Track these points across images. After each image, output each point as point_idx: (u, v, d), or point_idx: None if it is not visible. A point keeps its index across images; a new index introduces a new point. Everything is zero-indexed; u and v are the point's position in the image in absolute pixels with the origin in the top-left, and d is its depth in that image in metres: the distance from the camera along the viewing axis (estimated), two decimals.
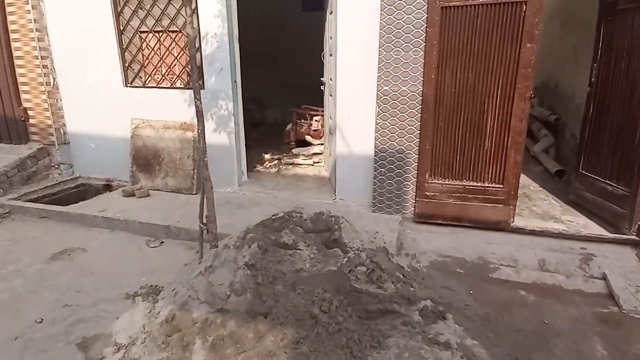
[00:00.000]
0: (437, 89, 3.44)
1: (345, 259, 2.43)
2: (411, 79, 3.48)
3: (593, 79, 3.65)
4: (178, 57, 4.36)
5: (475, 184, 3.53)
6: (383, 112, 3.63)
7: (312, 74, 5.30)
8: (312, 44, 5.60)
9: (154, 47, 4.41)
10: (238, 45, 4.30)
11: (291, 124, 5.72)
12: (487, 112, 3.37)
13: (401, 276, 2.49)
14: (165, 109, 4.47)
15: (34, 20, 4.46)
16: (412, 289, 2.42)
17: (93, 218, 3.88)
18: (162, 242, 3.61)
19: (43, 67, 4.60)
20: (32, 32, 4.48)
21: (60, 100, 4.82)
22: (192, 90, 4.36)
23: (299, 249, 2.64)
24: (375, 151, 3.74)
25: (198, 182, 4.44)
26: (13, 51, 4.59)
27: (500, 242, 3.41)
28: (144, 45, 4.45)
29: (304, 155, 5.47)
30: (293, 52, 7.72)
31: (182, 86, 4.43)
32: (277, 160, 5.47)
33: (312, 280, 2.29)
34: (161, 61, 4.43)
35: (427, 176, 3.63)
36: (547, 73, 6.13)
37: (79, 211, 3.99)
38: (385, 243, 3.04)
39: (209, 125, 4.38)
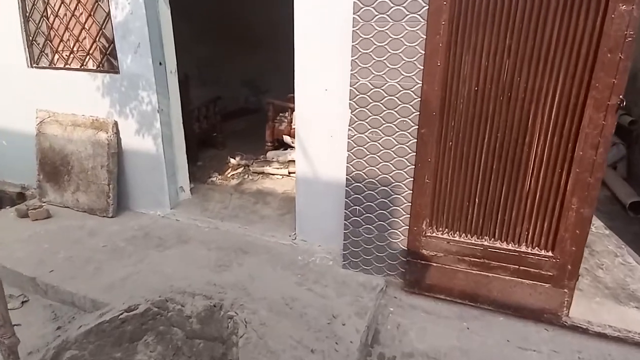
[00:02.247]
0: (446, 86, 2.02)
1: None
2: (403, 67, 2.08)
3: None
4: (86, 26, 3.11)
5: (504, 245, 2.13)
6: (358, 120, 2.26)
7: None
8: None
9: (58, 11, 3.17)
10: (168, 9, 3.00)
11: (268, 119, 4.40)
12: (532, 128, 1.94)
13: None
14: (75, 99, 3.28)
15: None
16: None
17: None
18: (24, 302, 2.46)
19: None
20: None
21: None
22: (105, 74, 3.13)
23: None
24: (347, 178, 2.39)
25: (116, 201, 3.25)
26: None
27: (543, 348, 2.03)
28: (48, 11, 3.22)
29: (278, 161, 4.17)
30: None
31: (93, 68, 3.20)
32: (243, 168, 4.20)
33: None
34: (66, 31, 3.20)
35: (424, 225, 2.25)
36: None
37: None
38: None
39: (130, 125, 3.15)
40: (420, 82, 2.06)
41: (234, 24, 6.17)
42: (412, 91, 2.10)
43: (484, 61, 1.93)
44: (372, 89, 2.18)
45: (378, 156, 2.27)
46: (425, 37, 1.99)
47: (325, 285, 2.41)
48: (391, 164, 2.26)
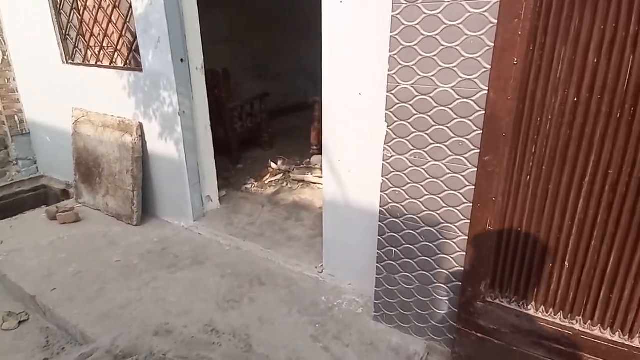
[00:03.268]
0: (526, 94, 1.36)
1: None
2: (461, 66, 1.46)
3: None
4: (113, 19, 2.87)
5: (607, 335, 1.43)
6: (397, 137, 1.68)
7: None
8: None
9: (87, 2, 2.98)
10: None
11: (314, 119, 3.92)
12: None
13: None
14: (105, 98, 3.09)
15: None
16: None
17: None
18: (22, 322, 2.30)
19: None
20: None
21: (14, 79, 3.79)
22: (130, 73, 2.88)
23: None
24: (381, 210, 1.83)
25: (140, 208, 3.03)
26: None
27: None
28: (78, 2, 3.06)
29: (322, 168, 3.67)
30: None
31: (121, 65, 2.97)
32: (283, 174, 3.78)
33: None
34: (95, 25, 3.00)
35: (484, 287, 1.62)
36: None
37: None
38: None
39: (154, 128, 2.88)
40: (486, 88, 1.42)
41: (294, 12, 5.75)
42: (472, 100, 1.47)
43: (592, 57, 1.23)
44: (416, 96, 1.59)
45: (422, 186, 1.68)
46: (496, 21, 1.35)
47: (347, 344, 1.90)
48: (440, 198, 1.65)
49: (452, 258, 1.70)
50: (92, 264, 2.56)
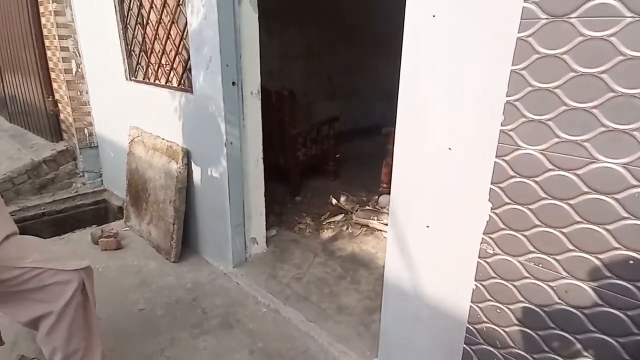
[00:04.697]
0: None
1: None
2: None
3: None
4: (172, 35, 2.61)
5: None
6: (507, 228, 1.06)
7: None
8: None
9: (149, 17, 2.76)
10: (254, 13, 2.26)
11: (387, 153, 3.34)
12: None
13: None
14: (158, 119, 2.84)
15: None
16: None
17: None
18: None
19: (62, 49, 3.58)
20: (49, 2, 3.46)
21: (87, 92, 3.78)
22: (182, 94, 2.59)
23: None
24: (470, 328, 1.20)
25: (179, 244, 2.70)
26: (42, 26, 3.72)
27: None
28: (142, 16, 2.86)
29: None
30: None
31: (175, 85, 2.69)
32: (345, 214, 3.25)
33: None
34: (156, 40, 2.77)
35: None
36: None
37: None
38: None
39: (200, 157, 2.54)
40: None
41: (374, 27, 5.25)
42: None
43: None
44: (549, 171, 0.96)
45: (546, 313, 1.03)
46: None
47: None
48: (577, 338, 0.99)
49: None
50: (113, 310, 2.25)
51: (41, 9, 3.63)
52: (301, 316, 2.15)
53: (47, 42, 3.74)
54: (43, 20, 3.67)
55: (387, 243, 1.61)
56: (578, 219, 0.94)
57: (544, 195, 0.99)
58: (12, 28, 4.08)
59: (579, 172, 0.93)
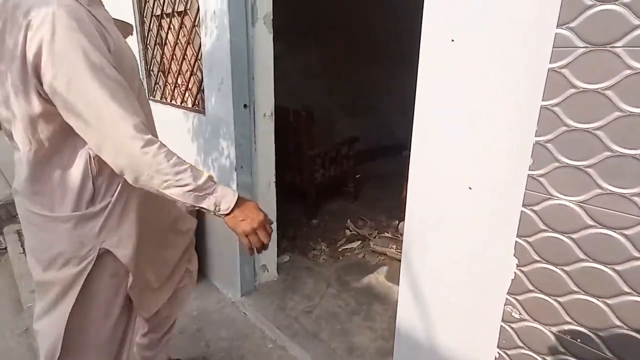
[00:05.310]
0: None
1: None
2: None
3: None
4: (187, 55, 2.57)
5: None
6: (535, 290, 0.89)
7: None
8: None
9: (167, 36, 2.75)
10: (269, 33, 2.18)
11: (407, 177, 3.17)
12: None
13: None
14: (173, 140, 2.76)
15: None
16: None
17: None
18: None
19: None
20: None
21: None
22: (195, 115, 2.53)
23: None
24: None
25: None
26: None
27: None
28: (161, 36, 2.86)
29: None
30: None
31: (189, 106, 2.65)
32: (361, 241, 3.09)
33: None
34: (173, 60, 2.75)
35: None
36: None
37: None
38: None
39: None
40: None
41: (398, 42, 5.12)
42: None
43: None
44: (588, 228, 0.79)
45: None
46: None
47: None
48: None
49: None
50: None
51: None
52: (309, 356, 1.99)
53: None
54: None
55: (399, 286, 1.45)
56: (627, 289, 0.77)
57: (582, 257, 0.82)
58: None
59: (627, 232, 0.76)
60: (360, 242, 3.07)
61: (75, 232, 1.05)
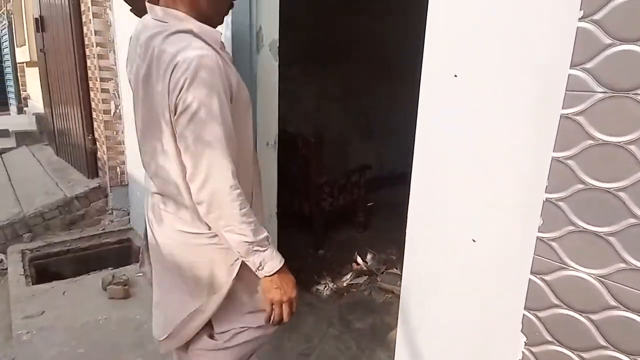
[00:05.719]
0: None
1: None
2: None
3: None
4: None
5: None
6: None
7: None
8: None
9: None
10: (274, 61, 2.13)
11: None
12: None
13: None
14: None
15: (95, 32, 3.57)
16: None
17: None
18: None
19: (102, 91, 3.70)
20: (93, 46, 3.61)
21: (122, 132, 3.85)
22: None
23: None
24: None
25: None
26: (87, 68, 3.88)
27: None
28: None
29: None
30: None
31: None
32: (369, 276, 2.93)
33: None
34: None
35: None
36: None
37: None
38: None
39: None
40: None
41: (416, 66, 5.04)
42: None
43: None
44: (611, 309, 0.65)
45: None
46: None
47: None
48: None
49: None
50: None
51: (87, 52, 3.80)
52: None
53: (90, 84, 3.89)
54: (88, 62, 3.83)
55: (396, 343, 1.30)
56: None
57: (603, 343, 0.67)
58: (63, 67, 4.32)
59: None
60: (367, 277, 2.91)
61: None
